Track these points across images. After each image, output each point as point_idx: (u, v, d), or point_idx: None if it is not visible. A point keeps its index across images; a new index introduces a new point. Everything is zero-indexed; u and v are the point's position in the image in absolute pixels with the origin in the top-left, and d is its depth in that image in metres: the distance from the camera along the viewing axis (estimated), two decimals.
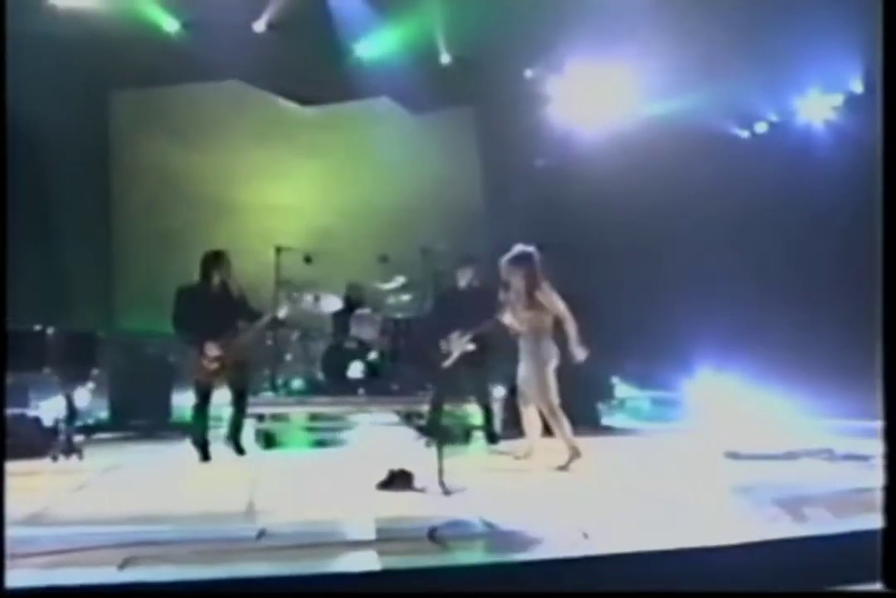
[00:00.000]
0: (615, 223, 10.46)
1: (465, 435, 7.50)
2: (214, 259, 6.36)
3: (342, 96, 11.04)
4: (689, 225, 10.45)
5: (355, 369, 7.69)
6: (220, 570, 3.34)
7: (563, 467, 5.79)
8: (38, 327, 6.23)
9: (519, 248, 6.05)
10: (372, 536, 3.83)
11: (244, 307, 6.47)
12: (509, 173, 11.32)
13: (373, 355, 7.80)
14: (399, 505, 4.57)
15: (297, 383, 7.89)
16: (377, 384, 7.74)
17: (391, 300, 8.21)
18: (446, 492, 4.83)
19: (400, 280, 8.01)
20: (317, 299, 7.88)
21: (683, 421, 9.18)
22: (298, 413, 7.40)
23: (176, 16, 10.09)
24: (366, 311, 8.21)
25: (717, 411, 9.00)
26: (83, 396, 8.43)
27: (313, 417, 7.42)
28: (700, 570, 3.67)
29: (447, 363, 6.69)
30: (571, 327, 5.86)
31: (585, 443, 7.38)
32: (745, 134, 11.41)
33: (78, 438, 7.15)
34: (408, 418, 7.59)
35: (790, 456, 6.05)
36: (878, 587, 3.21)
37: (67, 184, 9.75)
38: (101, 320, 9.30)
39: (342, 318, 8.15)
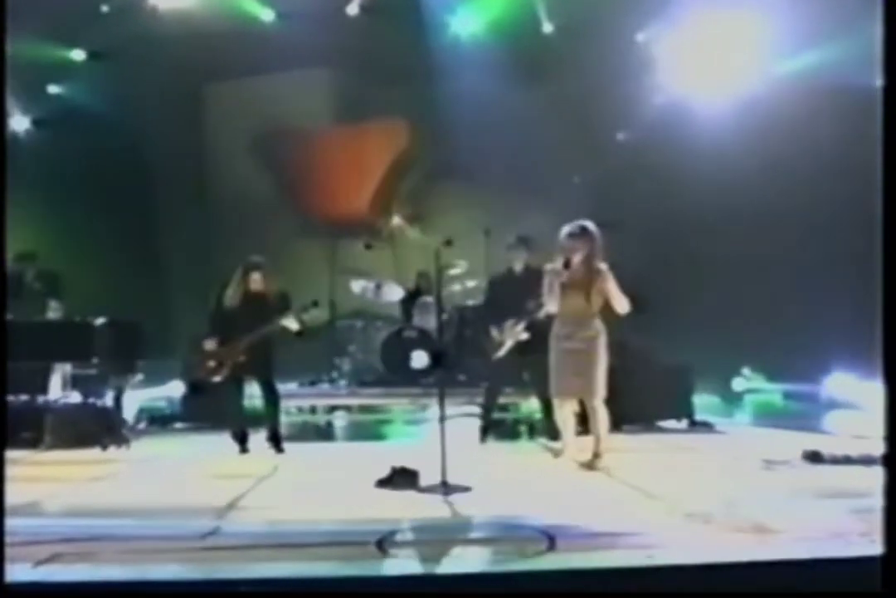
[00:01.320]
0: (739, 200, 9.54)
1: (530, 430, 7.14)
2: (251, 269, 6.38)
3: (437, 74, 10.82)
4: (828, 202, 9.38)
5: (416, 360, 7.51)
6: (139, 570, 3.28)
7: (588, 466, 5.42)
8: (86, 319, 6.48)
9: (579, 222, 5.54)
10: (319, 539, 3.65)
11: (270, 315, 6.36)
12: (617, 148, 10.71)
13: (434, 345, 7.57)
14: (386, 505, 4.39)
15: (355, 374, 7.79)
16: (438, 375, 7.51)
17: (456, 287, 7.92)
18: (446, 492, 4.59)
19: (463, 265, 7.69)
20: (378, 286, 7.74)
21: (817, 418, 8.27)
22: (353, 405, 7.30)
23: (271, 6, 10.28)
24: (428, 298, 7.99)
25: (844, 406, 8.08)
26: (178, 387, 8.82)
27: (368, 409, 7.31)
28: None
29: (500, 354, 6.40)
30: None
31: (659, 440, 6.88)
32: None
33: (152, 427, 7.52)
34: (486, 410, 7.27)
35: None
36: None
37: (167, 179, 10.19)
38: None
39: (408, 306, 7.99)
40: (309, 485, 5.13)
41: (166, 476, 5.47)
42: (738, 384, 9.89)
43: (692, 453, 6.37)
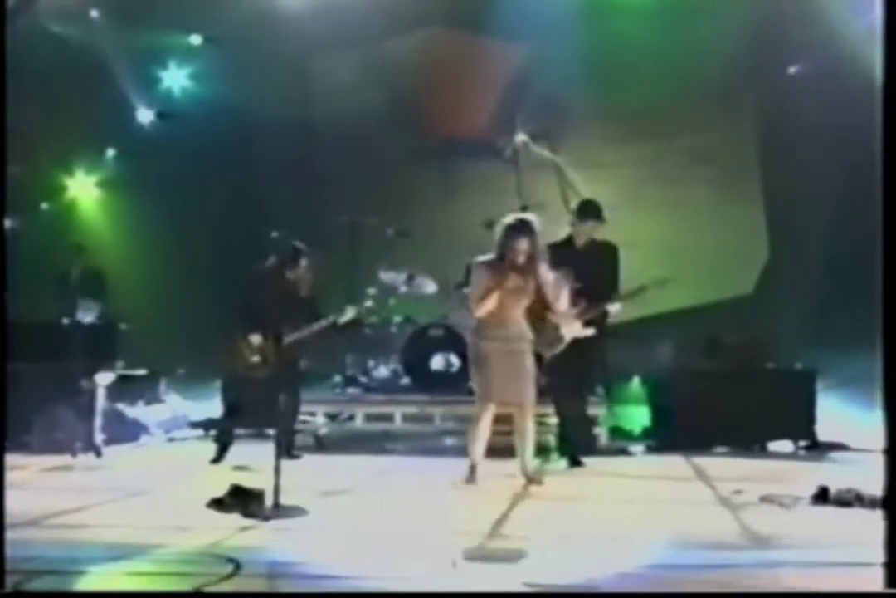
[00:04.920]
0: None
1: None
2: (296, 256, 6.22)
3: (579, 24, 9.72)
4: None
5: (437, 362, 6.69)
6: None
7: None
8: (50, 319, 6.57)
9: (515, 215, 5.27)
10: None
11: (309, 309, 6.32)
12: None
13: (462, 345, 6.67)
14: (154, 530, 3.94)
15: (374, 379, 7.08)
16: (460, 381, 6.62)
17: None
18: (266, 518, 4.00)
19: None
20: (411, 278, 6.99)
21: None
22: (356, 413, 6.69)
23: None
24: (467, 290, 7.06)
25: None
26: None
27: (371, 418, 6.66)
28: None
29: (555, 351, 5.46)
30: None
31: (714, 466, 5.48)
32: None
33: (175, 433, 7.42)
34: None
35: None
36: None
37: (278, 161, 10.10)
38: None
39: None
40: (174, 505, 4.68)
41: (52, 488, 5.32)
42: None
43: (701, 483, 5.25)
